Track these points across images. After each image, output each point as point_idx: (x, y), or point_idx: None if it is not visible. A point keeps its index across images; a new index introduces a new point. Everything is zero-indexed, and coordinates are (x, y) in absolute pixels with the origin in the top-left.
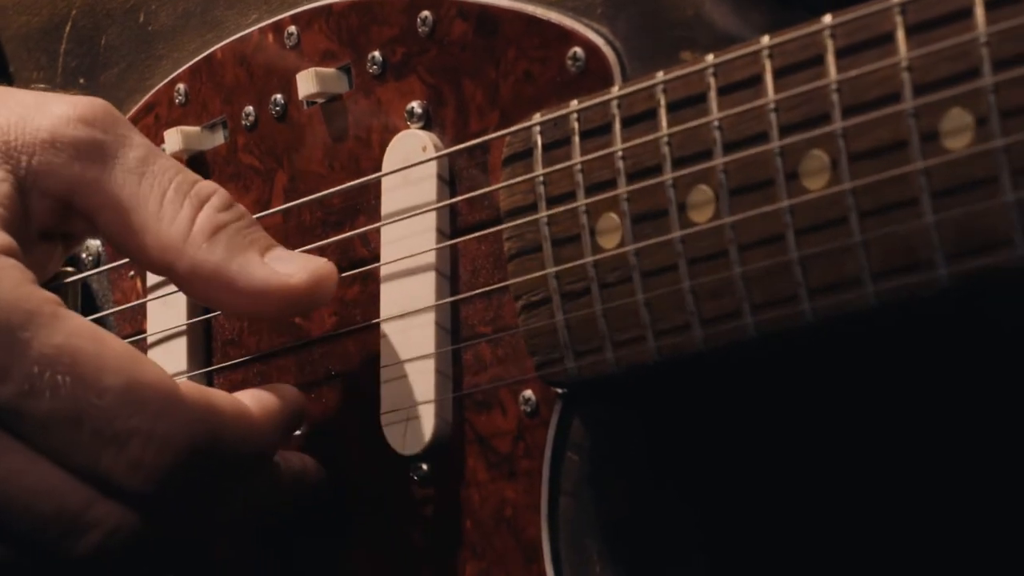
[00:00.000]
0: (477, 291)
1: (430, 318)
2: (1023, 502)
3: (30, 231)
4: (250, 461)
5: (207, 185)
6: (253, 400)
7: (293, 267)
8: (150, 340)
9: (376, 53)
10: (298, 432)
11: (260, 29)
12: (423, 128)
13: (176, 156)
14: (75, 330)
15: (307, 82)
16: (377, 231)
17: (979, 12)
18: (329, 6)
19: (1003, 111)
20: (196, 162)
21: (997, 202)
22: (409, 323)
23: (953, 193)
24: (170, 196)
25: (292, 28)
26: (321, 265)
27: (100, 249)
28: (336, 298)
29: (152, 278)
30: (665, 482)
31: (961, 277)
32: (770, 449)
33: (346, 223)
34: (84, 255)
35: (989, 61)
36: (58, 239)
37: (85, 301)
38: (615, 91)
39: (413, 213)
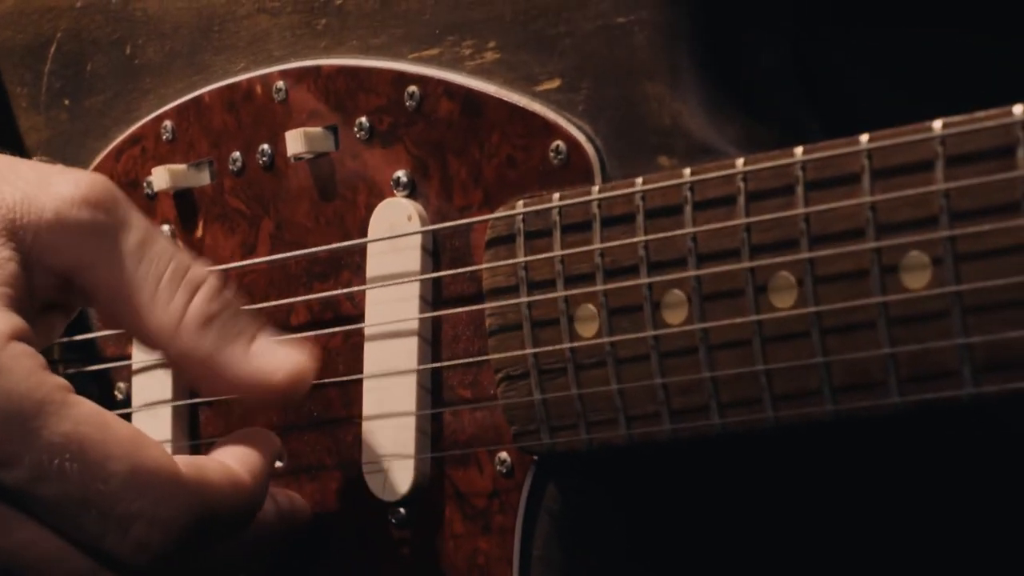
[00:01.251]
0: (459, 361)
1: (412, 379)
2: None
3: (34, 305)
4: (243, 523)
5: (200, 271)
6: (241, 465)
7: (275, 364)
8: (135, 367)
9: (363, 119)
10: (280, 464)
11: (249, 80)
12: (408, 196)
13: (163, 192)
14: (83, 417)
15: (295, 141)
16: (360, 291)
17: (939, 165)
18: (318, 67)
19: (957, 260)
20: (183, 198)
21: (948, 342)
22: (392, 381)
23: (908, 328)
24: (165, 282)
25: (281, 83)
26: (301, 363)
27: None
28: (320, 345)
29: None
30: (629, 553)
31: (912, 404)
32: (738, 526)
33: (331, 275)
34: None
35: (947, 212)
36: (58, 310)
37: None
38: (596, 191)
39: (398, 281)
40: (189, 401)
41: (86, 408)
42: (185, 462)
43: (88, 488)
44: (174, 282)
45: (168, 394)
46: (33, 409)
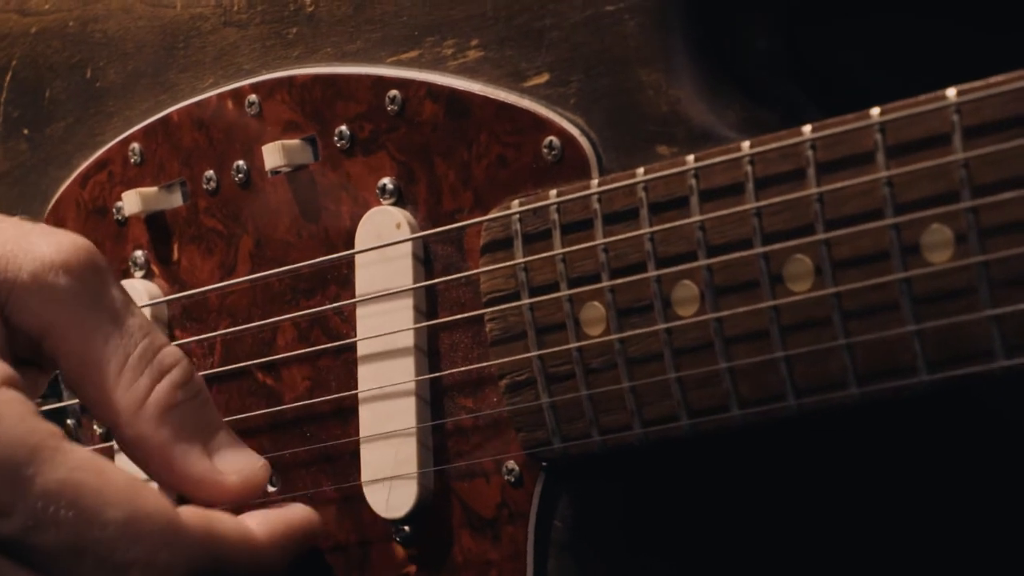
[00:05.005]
0: (459, 369)
1: (410, 392)
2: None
3: (14, 358)
4: None
5: (171, 354)
6: (260, 523)
7: (229, 467)
8: None
9: (343, 128)
10: (273, 488)
11: (219, 95)
12: (395, 204)
13: (135, 217)
14: (78, 463)
15: (273, 155)
16: (350, 304)
17: (956, 138)
18: (291, 78)
19: (982, 231)
20: (156, 221)
21: (977, 315)
22: (388, 396)
23: (934, 304)
24: (133, 361)
25: (253, 96)
26: (256, 469)
27: None
28: (310, 363)
29: None
30: (642, 547)
31: (941, 382)
32: (747, 516)
33: (317, 291)
34: None
35: (968, 184)
36: (36, 367)
37: None
38: (595, 185)
39: (390, 292)
40: None
41: (81, 454)
42: (191, 511)
43: (84, 536)
44: (142, 362)
45: None
46: (26, 456)
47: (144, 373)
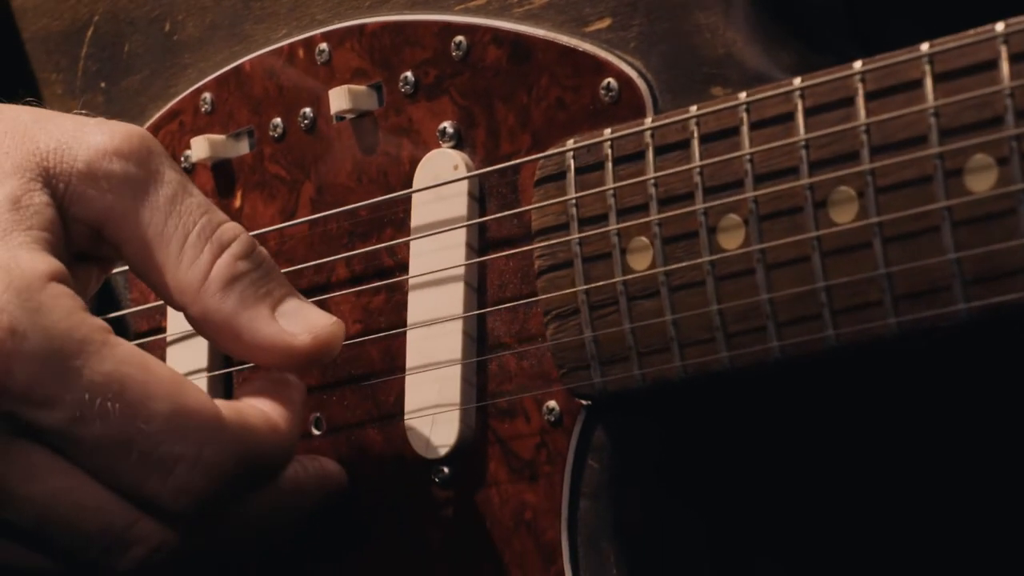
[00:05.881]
0: (506, 304)
1: (457, 327)
2: None
3: (69, 254)
4: (279, 469)
5: (230, 229)
6: (275, 410)
7: (300, 326)
8: (169, 339)
9: (408, 73)
10: (319, 432)
11: (291, 44)
12: (454, 147)
13: (202, 163)
14: (124, 358)
15: (339, 98)
16: (404, 242)
17: (1004, 65)
18: (362, 26)
19: None
20: (221, 169)
21: (1016, 243)
22: (436, 331)
23: (974, 232)
24: (192, 239)
25: (323, 45)
26: (327, 326)
27: None
28: (360, 306)
29: None
30: (678, 491)
31: (979, 311)
32: (781, 460)
33: (373, 234)
34: None
35: (1012, 111)
36: (93, 262)
37: (105, 296)
38: (648, 122)
39: (445, 228)
40: (225, 370)
41: (127, 349)
42: (225, 406)
43: (130, 429)
44: (201, 240)
45: (204, 364)
46: (74, 348)
47: (205, 249)
